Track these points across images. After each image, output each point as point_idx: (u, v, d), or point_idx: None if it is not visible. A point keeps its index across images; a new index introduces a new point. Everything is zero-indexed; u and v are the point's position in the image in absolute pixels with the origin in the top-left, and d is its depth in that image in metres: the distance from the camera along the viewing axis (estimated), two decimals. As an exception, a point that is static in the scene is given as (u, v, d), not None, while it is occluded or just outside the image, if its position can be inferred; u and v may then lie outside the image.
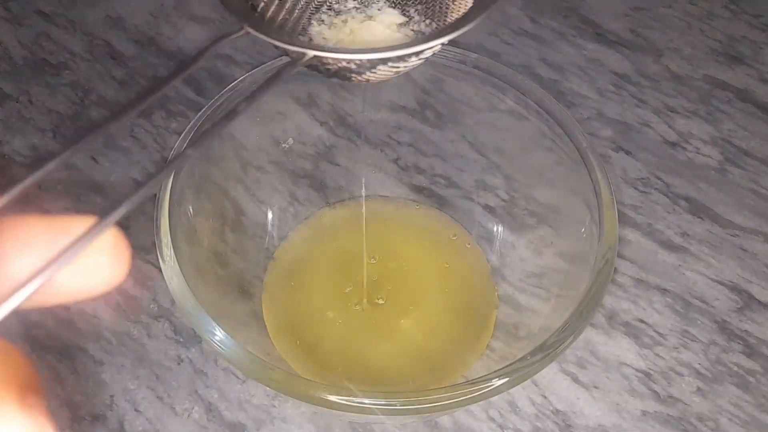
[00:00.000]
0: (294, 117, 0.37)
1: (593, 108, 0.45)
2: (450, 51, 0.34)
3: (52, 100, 0.45)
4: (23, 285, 0.12)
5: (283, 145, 0.38)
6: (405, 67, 0.22)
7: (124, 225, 0.40)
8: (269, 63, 0.33)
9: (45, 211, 0.13)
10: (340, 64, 0.21)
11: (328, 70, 0.21)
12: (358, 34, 0.24)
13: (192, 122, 0.31)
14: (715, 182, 0.41)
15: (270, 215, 0.38)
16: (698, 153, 0.43)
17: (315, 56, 0.19)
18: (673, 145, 0.43)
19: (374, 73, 0.21)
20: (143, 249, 0.39)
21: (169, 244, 0.27)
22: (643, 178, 0.42)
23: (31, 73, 0.47)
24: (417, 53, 0.21)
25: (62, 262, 0.12)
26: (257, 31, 0.20)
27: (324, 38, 0.24)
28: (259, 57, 0.47)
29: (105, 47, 0.48)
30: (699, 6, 0.51)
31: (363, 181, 0.38)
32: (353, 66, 0.21)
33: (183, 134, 0.30)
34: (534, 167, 0.35)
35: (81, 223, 0.13)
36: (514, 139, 0.36)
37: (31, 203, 0.13)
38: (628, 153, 0.43)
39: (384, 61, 0.21)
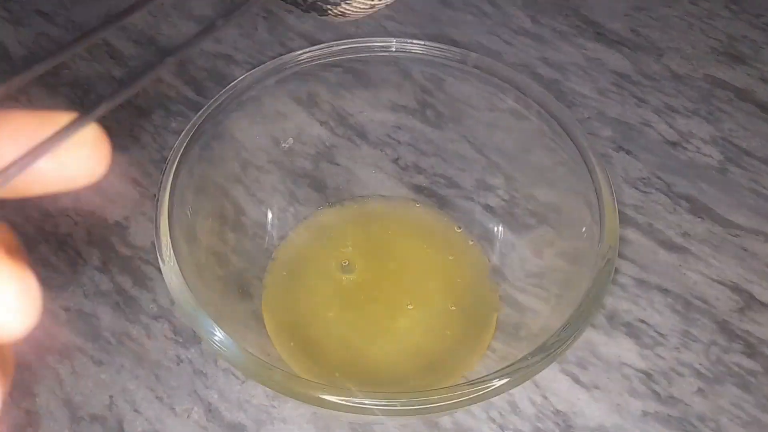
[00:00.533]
0: (294, 117, 0.37)
1: (594, 108, 0.45)
2: (450, 51, 0.33)
3: (52, 100, 0.45)
4: (3, 171, 0.12)
5: (283, 145, 0.38)
6: (380, 2, 0.21)
7: (123, 225, 0.40)
8: (269, 62, 0.33)
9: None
10: None
11: (303, 4, 0.21)
12: None
13: (192, 122, 0.31)
14: (715, 182, 0.41)
15: (270, 215, 0.38)
16: (699, 153, 0.43)
17: None
18: (674, 144, 0.43)
19: (349, 4, 0.21)
20: (143, 249, 0.39)
21: (169, 244, 0.27)
22: (643, 178, 0.41)
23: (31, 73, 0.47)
24: None
25: (42, 151, 0.13)
26: None
27: None
28: (259, 57, 0.47)
29: (105, 47, 0.48)
30: (699, 6, 0.51)
31: (364, 180, 0.38)
32: None
33: (183, 134, 0.30)
34: (534, 167, 0.35)
35: (63, 118, 0.13)
36: (515, 139, 0.35)
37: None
38: (628, 153, 0.43)
39: None
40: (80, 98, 0.45)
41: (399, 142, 0.40)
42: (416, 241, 0.38)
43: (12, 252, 0.12)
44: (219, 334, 0.25)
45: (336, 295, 0.36)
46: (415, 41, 0.34)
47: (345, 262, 0.37)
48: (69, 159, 0.14)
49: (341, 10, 0.21)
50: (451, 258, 0.37)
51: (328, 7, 0.21)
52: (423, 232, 0.39)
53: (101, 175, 0.14)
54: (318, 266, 0.37)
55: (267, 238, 0.37)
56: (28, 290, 0.12)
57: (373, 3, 0.21)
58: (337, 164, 0.40)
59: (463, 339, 0.35)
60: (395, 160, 0.40)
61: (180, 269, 0.27)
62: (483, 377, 0.25)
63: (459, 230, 0.38)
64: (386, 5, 0.22)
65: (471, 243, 0.38)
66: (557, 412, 0.33)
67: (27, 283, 0.12)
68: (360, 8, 0.21)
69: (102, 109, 0.14)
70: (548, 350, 0.25)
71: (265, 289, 0.36)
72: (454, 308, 0.36)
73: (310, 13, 0.21)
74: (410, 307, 0.36)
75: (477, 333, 0.35)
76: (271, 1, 0.19)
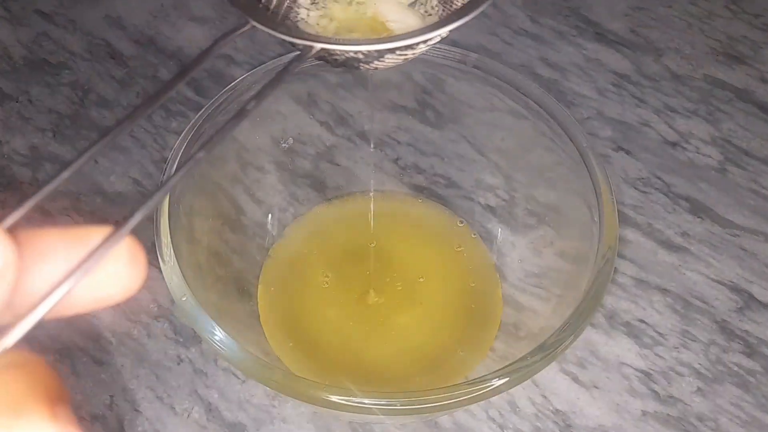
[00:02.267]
0: (294, 117, 0.37)
1: (593, 108, 0.45)
2: (450, 51, 0.34)
3: (52, 100, 0.45)
4: (44, 298, 0.12)
5: (283, 145, 0.38)
6: (413, 54, 0.22)
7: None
8: (269, 63, 0.33)
9: (45, 212, 0.13)
10: (347, 55, 0.21)
11: (336, 61, 0.21)
12: (368, 8, 0.24)
13: (192, 122, 0.31)
14: (715, 182, 0.41)
15: (270, 215, 0.38)
16: (698, 153, 0.43)
17: (322, 48, 0.19)
18: (674, 144, 0.43)
19: (382, 61, 0.21)
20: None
21: (169, 244, 0.27)
22: (643, 178, 0.42)
23: (30, 73, 0.47)
24: (425, 41, 0.20)
25: (81, 272, 0.12)
26: (263, 25, 0.20)
27: (331, 20, 0.24)
28: (259, 57, 0.47)
29: (105, 47, 0.48)
30: (699, 6, 0.51)
31: (364, 180, 0.38)
32: (361, 56, 0.21)
33: (183, 134, 0.30)
34: (534, 167, 0.35)
35: (97, 233, 0.13)
36: (514, 139, 0.36)
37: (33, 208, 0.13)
38: (628, 153, 0.43)
39: (392, 50, 0.20)
40: (80, 98, 0.45)
41: (399, 142, 0.40)
42: (417, 237, 0.38)
43: (57, 404, 0.12)
44: (219, 334, 0.25)
45: (335, 293, 0.36)
46: (414, 41, 0.34)
47: (343, 259, 0.37)
48: (105, 277, 0.13)
49: (374, 66, 0.21)
50: (453, 254, 0.37)
51: (361, 64, 0.21)
52: (424, 227, 0.39)
53: (138, 289, 0.14)
54: (316, 263, 0.37)
55: (267, 238, 0.37)
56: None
57: (407, 55, 0.21)
58: (337, 164, 0.40)
59: (464, 338, 0.35)
60: (395, 160, 0.40)
61: (180, 269, 0.27)
62: (482, 377, 0.25)
63: (461, 224, 0.38)
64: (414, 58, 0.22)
65: (474, 236, 0.37)
66: (557, 412, 0.33)
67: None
68: (393, 61, 0.21)
69: (134, 221, 0.13)
70: (548, 350, 0.25)
71: (261, 288, 0.36)
72: (455, 307, 0.36)
73: (340, 68, 0.22)
74: (410, 304, 0.36)
75: (480, 332, 0.35)
76: (310, 60, 0.19)
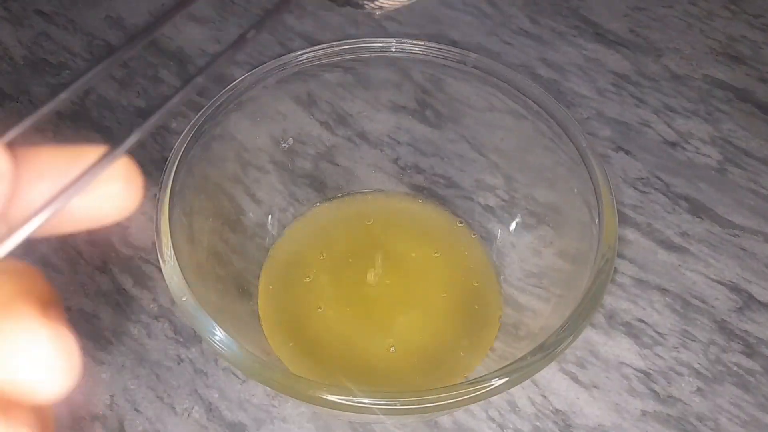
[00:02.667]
0: (294, 117, 0.37)
1: (593, 108, 0.45)
2: (450, 51, 0.34)
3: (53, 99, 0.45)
4: (37, 212, 0.12)
5: (283, 145, 0.38)
6: None
7: (123, 225, 0.41)
8: (269, 63, 0.33)
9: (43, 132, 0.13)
10: None
11: None
12: None
13: (192, 122, 0.31)
14: (714, 182, 0.41)
15: (270, 215, 0.38)
16: (698, 153, 0.43)
17: None
18: (673, 145, 0.43)
19: None
20: (144, 249, 0.39)
21: (169, 244, 0.27)
22: (642, 178, 0.42)
23: (31, 73, 0.47)
24: None
25: (75, 190, 0.13)
26: None
27: None
28: (259, 57, 0.47)
29: (105, 47, 0.48)
30: (699, 6, 0.51)
31: (363, 180, 0.38)
32: None
33: (183, 134, 0.31)
34: (534, 167, 0.35)
35: (93, 152, 0.13)
36: (514, 139, 0.36)
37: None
38: (627, 153, 0.43)
39: None
40: (81, 98, 0.45)
41: (399, 142, 0.40)
42: (417, 237, 0.38)
43: (48, 306, 0.12)
44: (219, 334, 0.25)
45: (335, 292, 0.36)
46: (414, 42, 0.34)
47: (342, 258, 0.37)
48: (101, 196, 0.13)
49: (379, 3, 0.21)
50: (453, 254, 0.37)
51: (365, 2, 0.21)
52: (424, 227, 0.39)
53: (134, 209, 0.14)
54: (315, 263, 0.37)
55: (267, 238, 0.37)
56: (67, 349, 0.12)
57: None
58: (337, 164, 0.40)
59: (465, 338, 0.35)
60: (395, 160, 0.40)
61: (180, 269, 0.27)
62: (482, 376, 0.25)
63: (461, 225, 0.38)
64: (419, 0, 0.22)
65: (473, 236, 0.37)
66: (556, 412, 0.33)
67: (65, 341, 0.12)
68: (397, 1, 0.21)
69: (130, 141, 0.13)
70: (547, 350, 0.25)
71: (260, 287, 0.36)
72: (456, 306, 0.36)
73: (345, 7, 0.21)
74: (411, 303, 0.36)
75: (480, 331, 0.35)
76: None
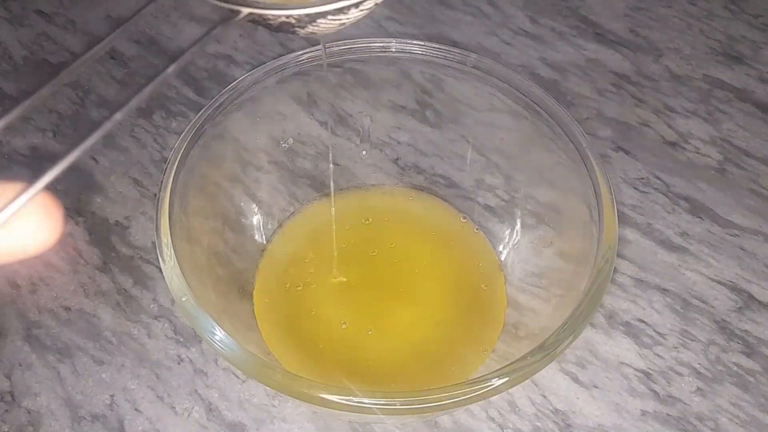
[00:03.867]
0: (294, 117, 0.37)
1: (593, 108, 0.45)
2: (450, 51, 0.34)
3: (52, 100, 0.45)
4: None
5: (283, 145, 0.38)
6: (347, 19, 0.21)
7: (123, 225, 0.40)
8: (269, 63, 0.34)
9: None
10: (280, 20, 0.21)
11: (271, 26, 0.21)
12: None
13: (192, 122, 0.31)
14: (714, 182, 0.42)
15: (270, 215, 0.38)
16: (698, 153, 0.43)
17: (251, 13, 0.19)
18: (673, 145, 0.43)
19: (316, 26, 0.21)
20: (144, 249, 0.39)
21: (169, 244, 0.27)
22: (642, 178, 0.42)
23: (31, 73, 0.47)
24: (356, 4, 0.20)
25: None
26: None
27: None
28: (259, 57, 0.48)
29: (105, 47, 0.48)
30: (699, 6, 0.51)
31: (363, 180, 0.38)
32: (293, 21, 0.21)
33: (183, 134, 0.31)
34: (534, 167, 0.35)
35: (10, 189, 0.13)
36: (514, 139, 0.36)
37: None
38: (627, 153, 0.43)
39: (322, 14, 0.20)
40: (81, 98, 0.45)
41: (399, 142, 0.40)
42: (418, 233, 0.38)
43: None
44: (219, 334, 0.25)
45: (335, 291, 0.36)
46: (414, 42, 0.34)
47: (341, 257, 0.37)
48: (19, 231, 0.14)
49: (309, 30, 0.21)
50: (455, 251, 0.37)
51: (296, 29, 0.21)
52: (425, 223, 0.38)
53: (54, 242, 0.14)
54: (313, 261, 0.37)
55: (267, 238, 0.37)
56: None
57: (341, 20, 0.21)
58: (337, 164, 0.40)
59: (466, 337, 0.35)
60: (395, 160, 0.40)
61: (180, 269, 0.27)
62: (482, 376, 0.25)
63: (464, 220, 0.38)
64: (353, 22, 0.22)
65: (477, 230, 0.37)
66: (556, 412, 0.33)
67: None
68: (327, 26, 0.21)
69: (48, 178, 0.14)
70: (547, 350, 0.25)
71: (257, 287, 0.36)
72: (457, 304, 0.36)
73: (278, 33, 0.22)
74: (411, 303, 0.36)
75: (481, 331, 0.35)
76: (244, 23, 0.19)
